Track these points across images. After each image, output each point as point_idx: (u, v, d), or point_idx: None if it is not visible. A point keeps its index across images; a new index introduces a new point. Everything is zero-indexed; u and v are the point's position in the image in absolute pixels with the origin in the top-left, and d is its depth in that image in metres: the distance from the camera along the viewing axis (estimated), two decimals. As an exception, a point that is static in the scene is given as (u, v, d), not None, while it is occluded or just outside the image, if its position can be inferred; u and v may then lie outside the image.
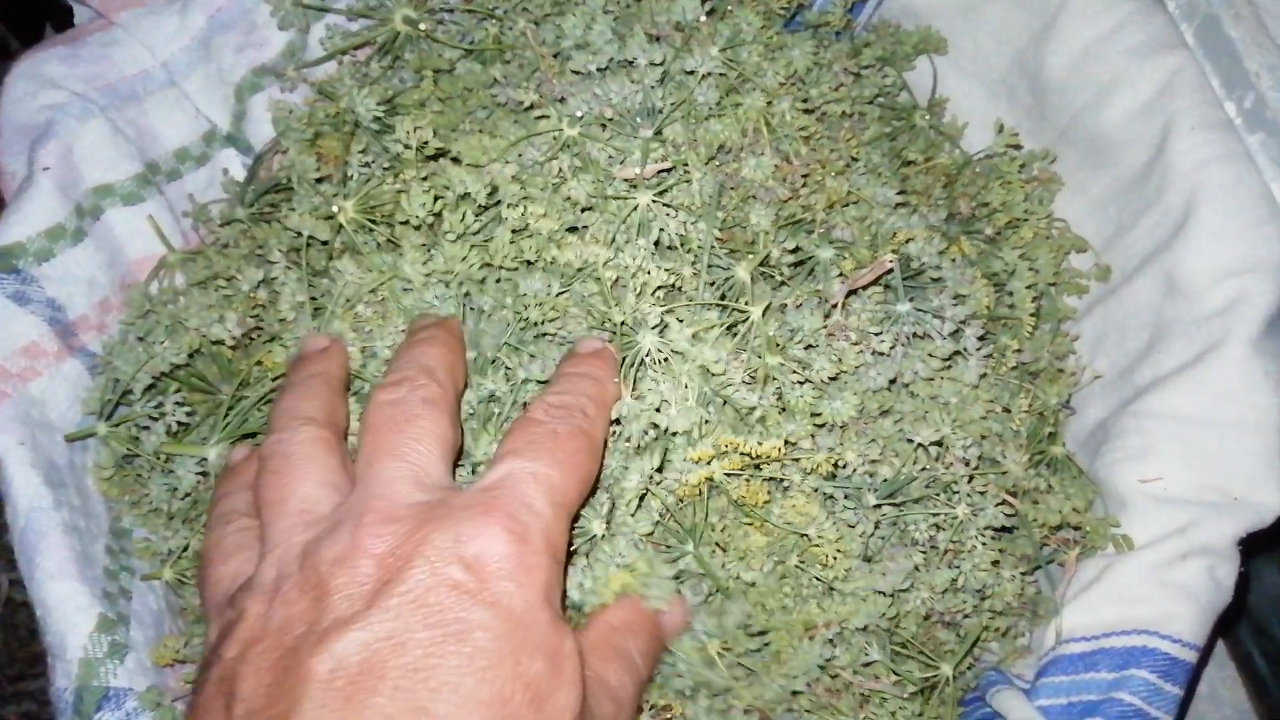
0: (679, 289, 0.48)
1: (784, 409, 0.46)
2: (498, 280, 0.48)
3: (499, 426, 0.45)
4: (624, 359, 0.45)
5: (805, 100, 0.52)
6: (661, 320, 0.45)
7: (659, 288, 0.46)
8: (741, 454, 0.43)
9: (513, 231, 0.47)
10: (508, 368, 0.46)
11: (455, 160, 0.49)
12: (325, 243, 0.50)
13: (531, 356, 0.46)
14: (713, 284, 0.47)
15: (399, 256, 0.47)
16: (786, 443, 0.44)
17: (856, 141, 0.54)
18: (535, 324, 0.47)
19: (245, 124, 0.59)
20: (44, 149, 0.50)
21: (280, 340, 0.49)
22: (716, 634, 0.44)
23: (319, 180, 0.53)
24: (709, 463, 0.43)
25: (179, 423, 0.48)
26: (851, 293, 0.48)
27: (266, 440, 0.39)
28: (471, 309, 0.47)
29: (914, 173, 0.57)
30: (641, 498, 0.44)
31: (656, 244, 0.47)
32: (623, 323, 0.46)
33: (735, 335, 0.46)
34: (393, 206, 0.49)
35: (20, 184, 0.50)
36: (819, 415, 0.46)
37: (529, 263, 0.48)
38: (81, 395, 0.49)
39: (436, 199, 0.47)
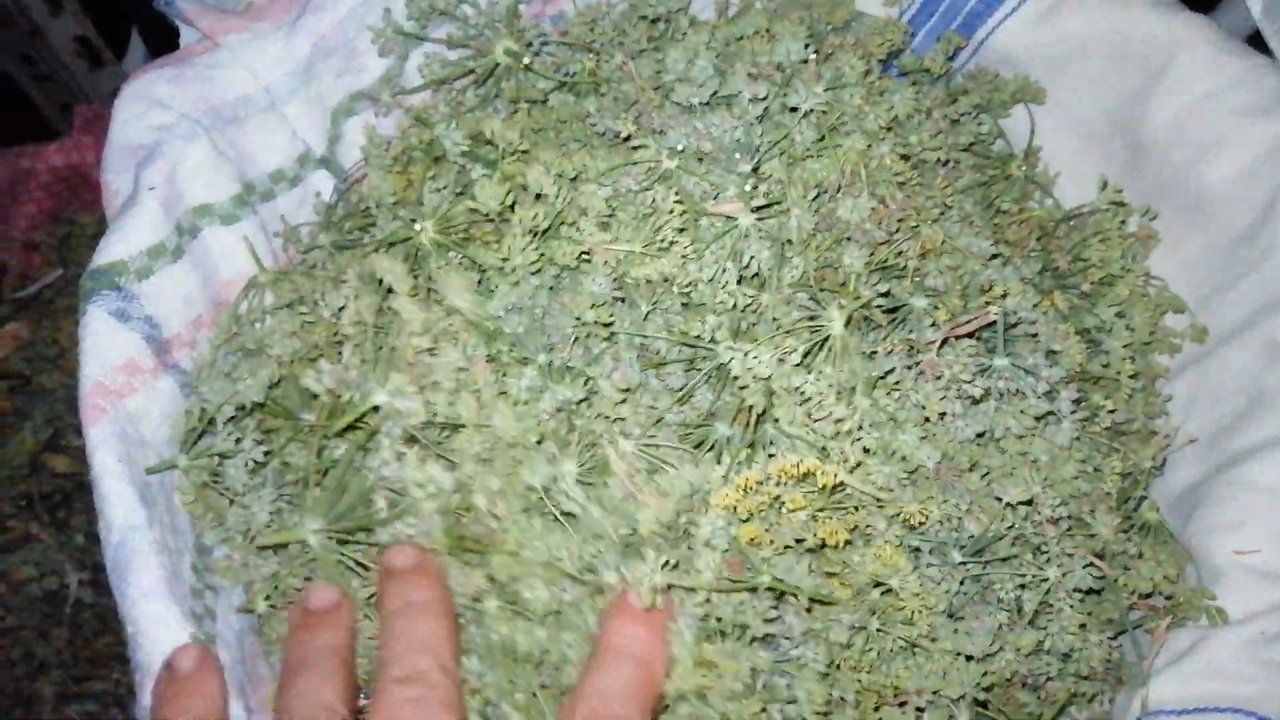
0: (761, 316, 0.48)
1: (867, 450, 0.46)
2: (557, 275, 0.49)
3: (581, 438, 0.45)
4: (706, 376, 0.45)
5: (905, 145, 0.52)
6: (746, 336, 0.45)
7: (744, 309, 0.46)
8: (823, 488, 0.42)
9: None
10: (568, 367, 0.46)
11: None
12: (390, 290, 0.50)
13: (597, 363, 0.46)
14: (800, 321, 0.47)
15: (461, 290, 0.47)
16: (872, 483, 0.44)
17: (951, 189, 0.54)
18: (597, 326, 0.47)
19: (339, 147, 0.59)
20: (151, 168, 0.51)
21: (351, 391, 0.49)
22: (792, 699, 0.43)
23: (397, 204, 0.54)
24: (789, 480, 0.42)
25: (256, 461, 0.48)
26: (944, 342, 0.47)
27: None
28: (537, 311, 0.47)
29: (1007, 223, 0.56)
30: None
31: (742, 276, 0.47)
32: (698, 337, 0.46)
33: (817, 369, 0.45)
34: (469, 223, 0.50)
35: (124, 202, 0.51)
36: (905, 460, 0.46)
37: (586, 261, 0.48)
38: (172, 414, 0.50)
39: (510, 195, 0.47)
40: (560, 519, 0.48)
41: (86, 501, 0.67)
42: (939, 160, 0.56)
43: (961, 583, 0.46)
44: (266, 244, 0.57)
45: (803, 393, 0.44)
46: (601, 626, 0.41)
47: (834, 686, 0.44)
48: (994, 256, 0.53)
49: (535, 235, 0.47)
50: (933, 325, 0.50)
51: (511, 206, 0.49)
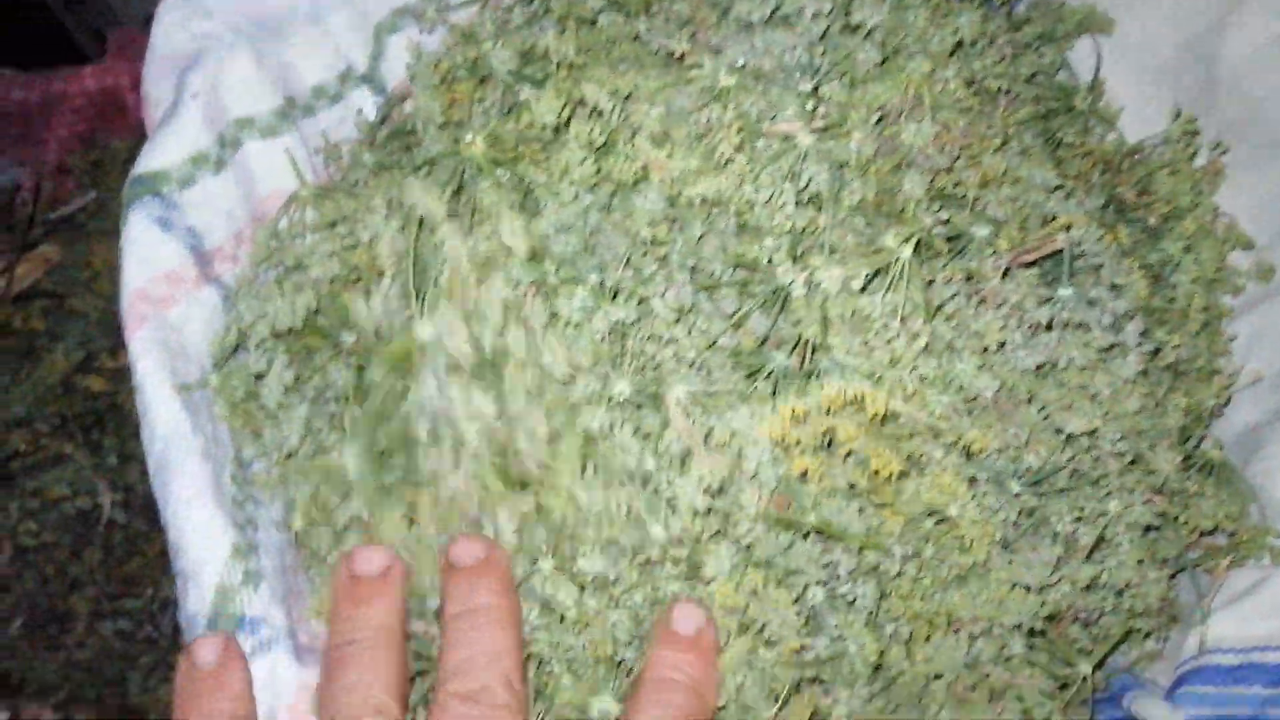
0: (819, 240, 0.47)
1: (924, 379, 0.44)
2: (612, 194, 0.47)
3: (634, 361, 0.44)
4: (761, 301, 0.44)
5: (968, 71, 0.50)
6: (806, 260, 0.44)
7: (801, 231, 0.45)
8: (875, 417, 0.41)
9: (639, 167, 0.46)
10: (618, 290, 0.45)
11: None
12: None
13: (653, 281, 0.45)
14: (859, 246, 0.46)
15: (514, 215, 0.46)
16: (928, 411, 0.43)
17: (1014, 119, 0.52)
18: (652, 244, 0.46)
19: (381, 64, 0.58)
20: (194, 75, 0.49)
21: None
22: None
23: (444, 126, 0.53)
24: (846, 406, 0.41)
25: (287, 385, 0.47)
26: (1005, 272, 0.46)
27: None
28: (587, 231, 0.46)
29: (1069, 156, 0.55)
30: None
31: (799, 199, 0.46)
32: (755, 260, 0.44)
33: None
34: (518, 141, 0.48)
35: (165, 111, 0.50)
36: (962, 390, 0.45)
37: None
38: (214, 326, 0.49)
39: (566, 108, 0.46)
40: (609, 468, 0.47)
41: (120, 422, 0.67)
42: (1000, 90, 0.54)
43: (1019, 514, 0.44)
44: (307, 160, 0.56)
45: (866, 316, 0.43)
46: (648, 655, 0.38)
47: (884, 615, 0.44)
48: (1056, 188, 0.51)
49: (593, 150, 0.46)
50: (994, 254, 0.48)
51: (567, 122, 0.47)
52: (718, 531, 0.44)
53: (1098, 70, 0.57)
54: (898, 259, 0.44)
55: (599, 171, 0.46)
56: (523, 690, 0.36)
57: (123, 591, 0.64)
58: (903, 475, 0.43)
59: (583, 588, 0.44)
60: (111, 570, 0.64)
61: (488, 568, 0.39)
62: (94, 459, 0.65)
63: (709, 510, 0.41)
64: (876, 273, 0.45)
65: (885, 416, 0.42)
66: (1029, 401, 0.48)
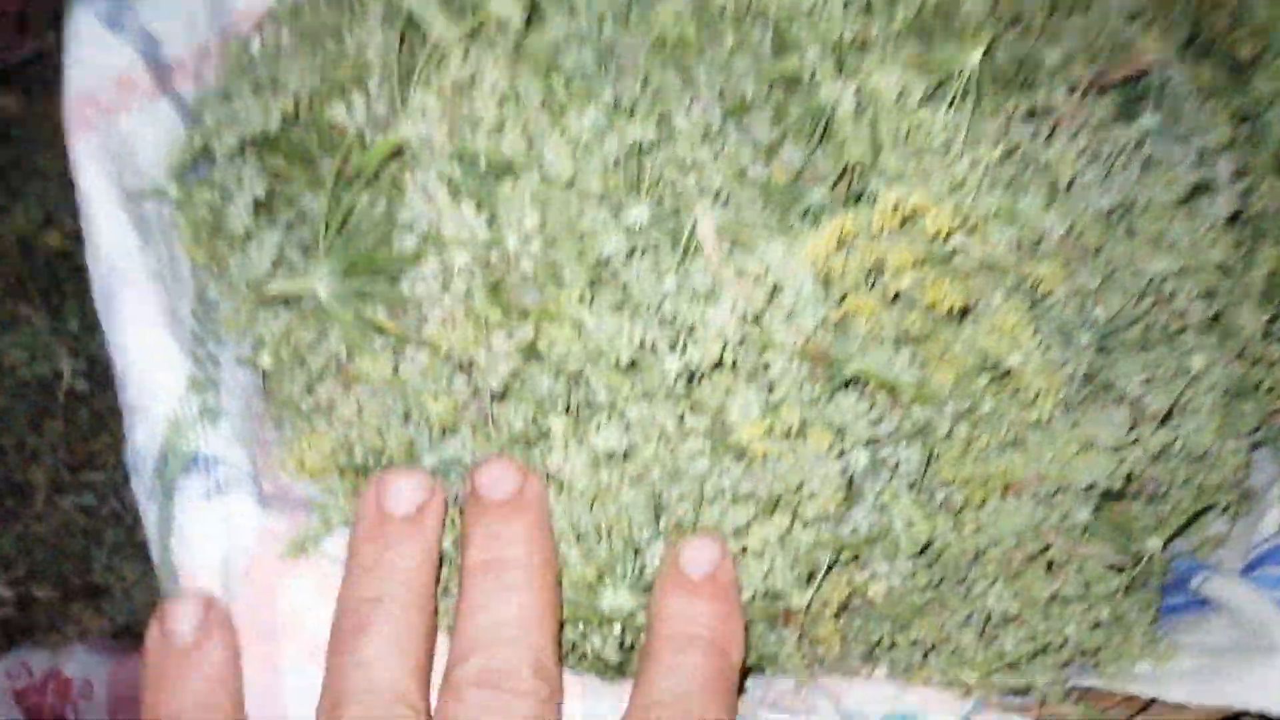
0: (868, 53, 0.41)
1: (985, 213, 0.39)
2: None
3: (652, 189, 0.38)
4: (799, 126, 0.38)
5: None
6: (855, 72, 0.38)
7: (849, 44, 0.39)
8: (936, 235, 0.36)
9: None
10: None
11: None
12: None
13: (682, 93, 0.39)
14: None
15: None
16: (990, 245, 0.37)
17: (1091, -69, 0.46)
18: (674, 50, 0.40)
19: None
20: None
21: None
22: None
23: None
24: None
25: (258, 201, 0.42)
26: (1084, 94, 0.40)
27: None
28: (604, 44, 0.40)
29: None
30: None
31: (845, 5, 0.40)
32: (795, 74, 0.39)
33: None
34: None
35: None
36: (1025, 228, 0.39)
37: None
38: (171, 142, 0.43)
39: None
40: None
41: (82, 287, 0.61)
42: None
43: (1088, 371, 0.39)
44: (286, -28, 0.49)
45: (926, 133, 0.37)
46: (652, 607, 0.32)
47: (932, 480, 0.38)
48: (1134, 16, 0.45)
49: None
50: (1063, 83, 0.42)
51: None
52: (747, 373, 0.39)
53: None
54: (962, 70, 0.38)
55: None
56: (556, 672, 0.30)
57: (84, 464, 0.58)
58: (963, 313, 0.37)
59: (596, 461, 0.39)
60: (74, 444, 0.59)
61: (522, 506, 0.32)
62: (53, 323, 0.59)
63: (741, 340, 0.35)
64: (937, 87, 0.39)
65: (944, 244, 0.36)
66: (1097, 251, 0.42)
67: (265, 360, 0.40)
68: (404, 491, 0.32)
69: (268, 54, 0.47)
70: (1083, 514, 0.37)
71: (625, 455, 0.41)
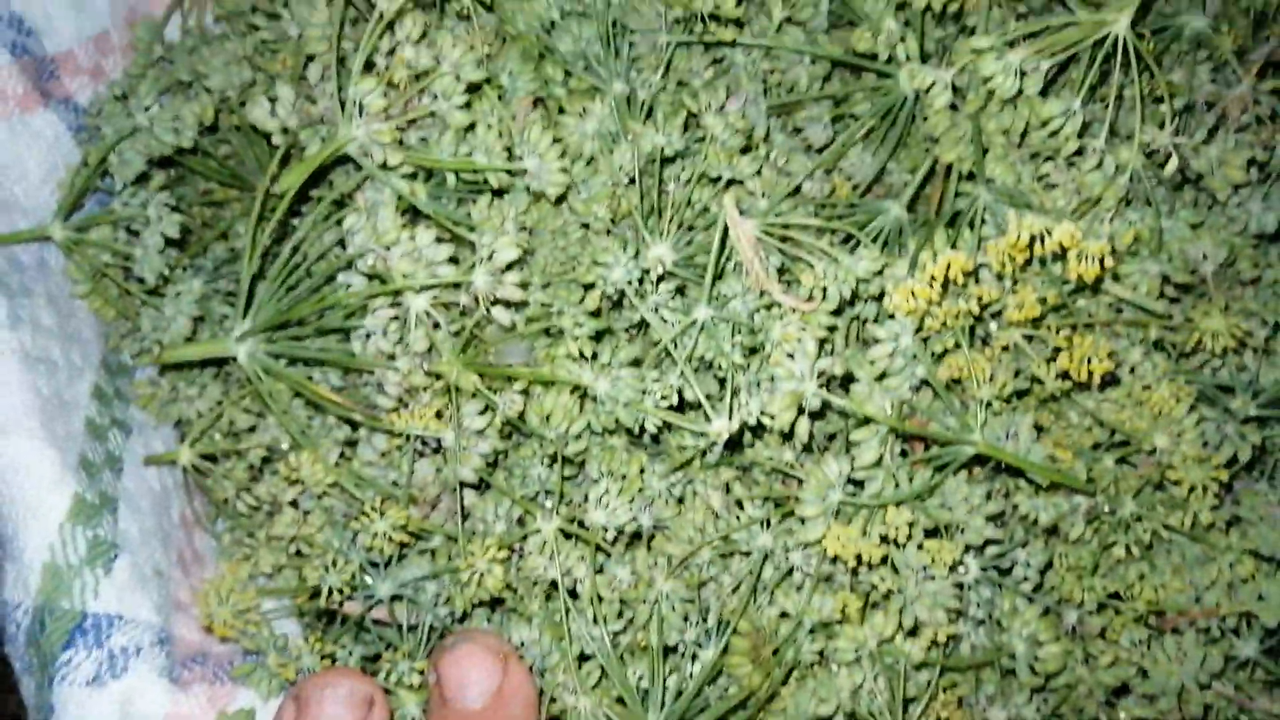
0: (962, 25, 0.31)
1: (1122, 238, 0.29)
2: None
3: (672, 223, 0.29)
4: (863, 123, 0.28)
5: None
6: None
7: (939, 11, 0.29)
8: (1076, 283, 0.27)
9: None
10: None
11: None
12: None
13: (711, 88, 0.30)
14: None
15: None
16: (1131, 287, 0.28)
17: None
18: (702, 20, 0.30)
19: None
20: None
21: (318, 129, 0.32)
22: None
23: None
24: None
25: (168, 239, 0.32)
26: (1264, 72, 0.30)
27: None
28: (610, 15, 0.31)
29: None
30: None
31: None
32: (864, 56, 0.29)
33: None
34: None
35: None
36: (1172, 261, 0.30)
37: None
38: (63, 167, 0.33)
39: None
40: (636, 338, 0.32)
41: None
42: None
43: (1256, 449, 0.30)
44: (207, -62, 0.39)
45: (1053, 132, 0.27)
46: None
47: (1056, 593, 0.30)
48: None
49: None
50: (1208, 60, 0.32)
51: None
52: (826, 445, 0.30)
53: None
54: (1108, 37, 0.27)
55: None
56: None
57: None
58: (1110, 382, 0.28)
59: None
60: None
61: (500, 710, 0.26)
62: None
63: (821, 410, 0.26)
64: (1061, 70, 0.29)
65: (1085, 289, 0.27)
66: (1253, 283, 0.33)
67: (185, 456, 0.31)
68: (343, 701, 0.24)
69: (187, 43, 0.38)
70: (1250, 650, 0.28)
71: (649, 544, 0.32)
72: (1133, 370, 0.30)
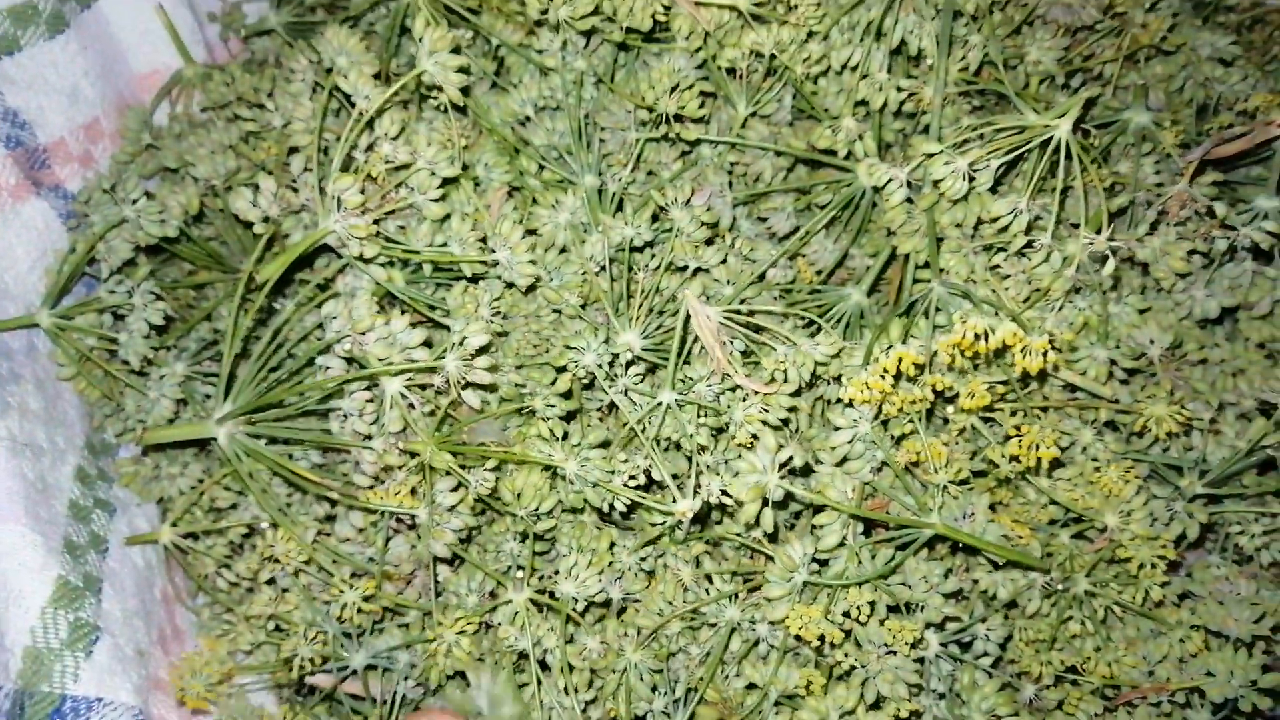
0: (916, 124, 0.33)
1: (1073, 323, 0.31)
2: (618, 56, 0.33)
3: (641, 309, 0.30)
4: (825, 214, 0.30)
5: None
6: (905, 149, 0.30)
7: (896, 110, 0.31)
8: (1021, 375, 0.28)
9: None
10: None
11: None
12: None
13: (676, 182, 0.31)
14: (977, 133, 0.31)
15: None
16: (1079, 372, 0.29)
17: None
18: (668, 121, 0.31)
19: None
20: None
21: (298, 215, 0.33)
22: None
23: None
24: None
25: (152, 325, 0.33)
26: (1199, 173, 0.32)
27: None
28: (582, 109, 0.32)
29: (1234, 23, 0.40)
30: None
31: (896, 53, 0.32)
32: (825, 151, 0.31)
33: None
34: None
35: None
36: (1120, 346, 0.31)
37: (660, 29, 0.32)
38: (52, 253, 0.34)
39: None
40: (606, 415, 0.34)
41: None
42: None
43: (1204, 527, 0.31)
44: (198, 31, 0.41)
45: (1003, 228, 0.29)
46: None
47: (1015, 667, 0.31)
48: (1231, 61, 0.37)
49: None
50: (1152, 153, 0.34)
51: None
52: (792, 524, 0.31)
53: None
54: (1050, 140, 0.29)
55: (597, 12, 0.31)
56: None
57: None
58: (1055, 465, 0.29)
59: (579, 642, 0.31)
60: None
61: None
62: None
63: (784, 500, 0.27)
64: (1011, 166, 0.31)
65: (1029, 373, 0.28)
66: (1202, 363, 0.34)
67: (166, 535, 0.32)
68: None
69: (174, 129, 0.39)
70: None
71: (619, 614, 0.33)
72: (1084, 450, 0.31)
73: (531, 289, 0.32)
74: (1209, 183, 0.33)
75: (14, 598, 0.27)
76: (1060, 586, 0.29)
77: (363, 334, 0.30)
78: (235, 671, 0.28)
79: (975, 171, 0.29)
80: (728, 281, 0.32)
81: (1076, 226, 0.31)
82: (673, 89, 0.30)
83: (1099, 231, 0.29)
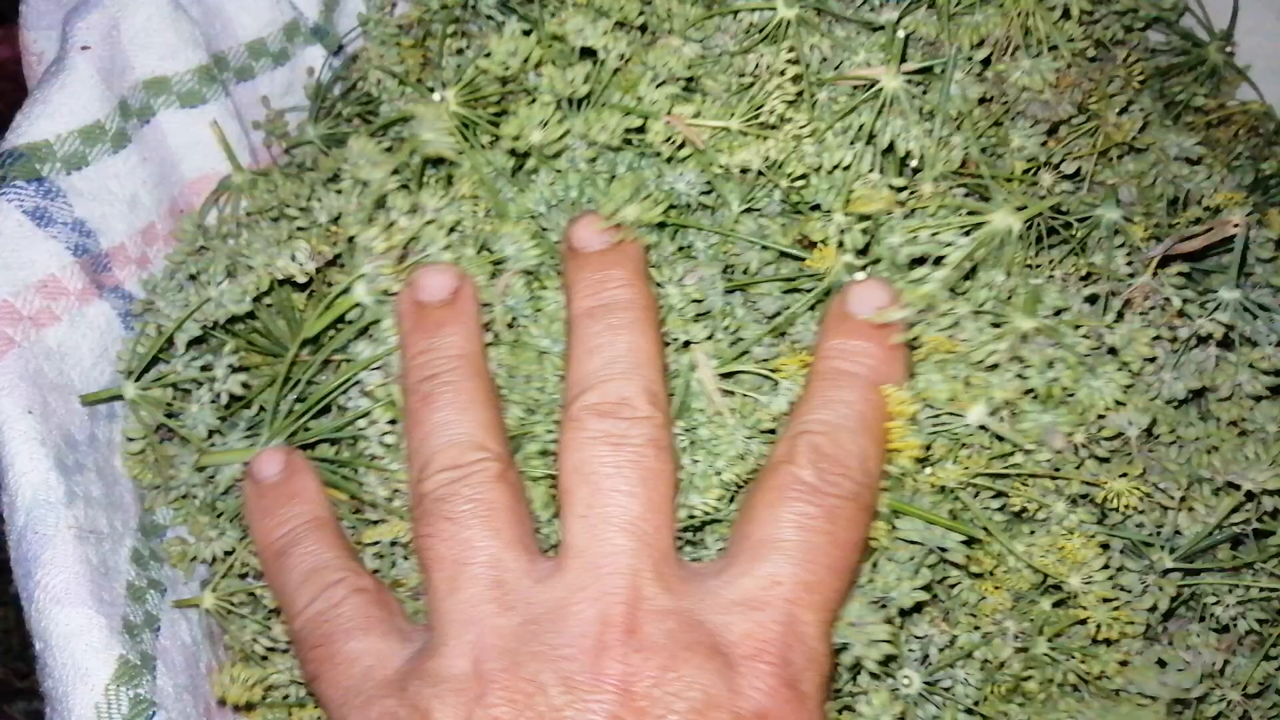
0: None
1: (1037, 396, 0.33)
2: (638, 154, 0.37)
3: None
4: (810, 299, 0.33)
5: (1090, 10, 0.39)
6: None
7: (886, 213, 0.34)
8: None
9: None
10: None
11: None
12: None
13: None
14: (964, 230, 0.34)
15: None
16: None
17: (1141, 71, 0.41)
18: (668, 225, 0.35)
19: (337, 15, 0.47)
20: (83, 22, 0.38)
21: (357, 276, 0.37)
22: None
23: (404, 82, 0.42)
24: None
25: (232, 395, 0.37)
26: (1162, 266, 0.35)
27: (423, 479, 0.30)
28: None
29: (1202, 122, 0.43)
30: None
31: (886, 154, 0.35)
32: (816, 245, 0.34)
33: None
34: (501, 95, 0.37)
35: (49, 67, 0.39)
36: (1099, 420, 0.34)
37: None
38: (111, 349, 0.38)
39: (538, 50, 0.35)
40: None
41: None
42: (1114, 39, 0.43)
43: (1174, 600, 0.33)
44: (243, 137, 0.45)
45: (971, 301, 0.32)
46: (819, 344, 0.32)
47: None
48: (1197, 160, 0.40)
49: (570, 104, 0.35)
50: (1124, 245, 0.37)
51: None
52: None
53: (1234, 17, 0.45)
54: (1003, 229, 0.32)
55: (567, 134, 0.35)
56: (667, 402, 0.31)
57: (34, 669, 0.52)
58: (1013, 533, 0.32)
59: None
60: (29, 641, 0.53)
61: (621, 255, 0.32)
62: None
63: None
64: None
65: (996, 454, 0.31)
66: (1172, 444, 0.37)
67: (209, 600, 0.35)
68: (434, 281, 0.33)
69: (222, 229, 0.43)
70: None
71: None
72: (1061, 522, 0.33)
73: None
74: (1175, 273, 0.35)
75: (80, 676, 0.30)
76: (1023, 646, 0.32)
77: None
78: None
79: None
80: (715, 357, 0.35)
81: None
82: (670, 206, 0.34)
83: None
